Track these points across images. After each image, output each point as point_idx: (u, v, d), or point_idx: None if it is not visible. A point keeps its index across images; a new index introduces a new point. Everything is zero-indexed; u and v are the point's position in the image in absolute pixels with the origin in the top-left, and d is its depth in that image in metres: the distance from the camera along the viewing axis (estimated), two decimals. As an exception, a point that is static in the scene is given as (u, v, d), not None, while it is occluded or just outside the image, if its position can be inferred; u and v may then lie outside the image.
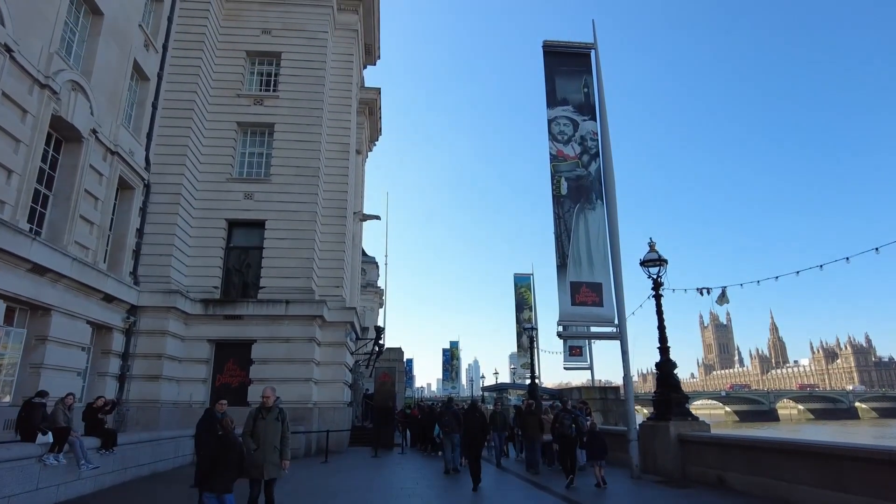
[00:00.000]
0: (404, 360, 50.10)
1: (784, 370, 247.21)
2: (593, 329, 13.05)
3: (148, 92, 19.25)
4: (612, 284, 13.17)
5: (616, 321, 13.01)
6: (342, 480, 12.42)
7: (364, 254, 73.45)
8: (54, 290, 13.27)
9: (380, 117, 35.98)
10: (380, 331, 24.54)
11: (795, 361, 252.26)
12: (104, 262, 16.41)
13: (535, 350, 26.13)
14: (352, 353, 23.97)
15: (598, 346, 32.89)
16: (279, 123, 22.26)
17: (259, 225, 21.10)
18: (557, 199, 13.47)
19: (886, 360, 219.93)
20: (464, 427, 12.38)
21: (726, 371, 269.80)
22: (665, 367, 12.86)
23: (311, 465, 15.59)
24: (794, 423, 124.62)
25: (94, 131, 14.99)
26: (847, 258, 14.12)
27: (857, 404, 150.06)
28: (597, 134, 14.13)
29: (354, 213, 28.87)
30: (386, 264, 64.95)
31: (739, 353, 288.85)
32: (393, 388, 22.68)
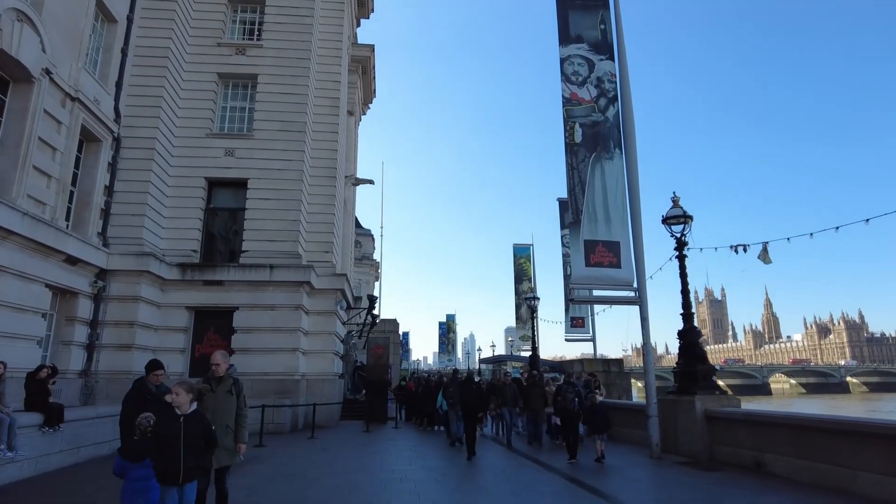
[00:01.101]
0: (400, 332, 48.97)
1: (777, 345, 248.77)
2: (609, 293, 11.66)
3: (116, 36, 17.40)
4: (630, 243, 11.76)
5: (635, 284, 11.64)
6: (327, 460, 11.15)
7: (359, 226, 71.88)
8: (2, 249, 11.74)
9: (374, 77, 34.08)
10: (373, 300, 23.20)
11: (788, 337, 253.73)
12: (66, 220, 14.86)
13: (536, 320, 24.85)
14: (343, 323, 22.63)
15: (599, 317, 31.78)
16: (263, 75, 20.48)
17: (241, 184, 19.49)
18: (571, 147, 11.95)
19: (878, 335, 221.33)
20: (461, 399, 12.65)
21: (720, 346, 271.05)
22: (689, 335, 11.53)
23: (295, 442, 14.34)
24: (785, 397, 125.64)
25: (47, 71, 13.26)
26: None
27: (848, 379, 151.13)
28: (615, 75, 12.54)
29: (346, 176, 27.27)
30: (381, 236, 63.60)
31: (733, 329, 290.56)
32: (387, 360, 21.43)
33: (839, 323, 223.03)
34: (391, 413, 20.93)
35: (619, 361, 28.12)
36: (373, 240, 68.67)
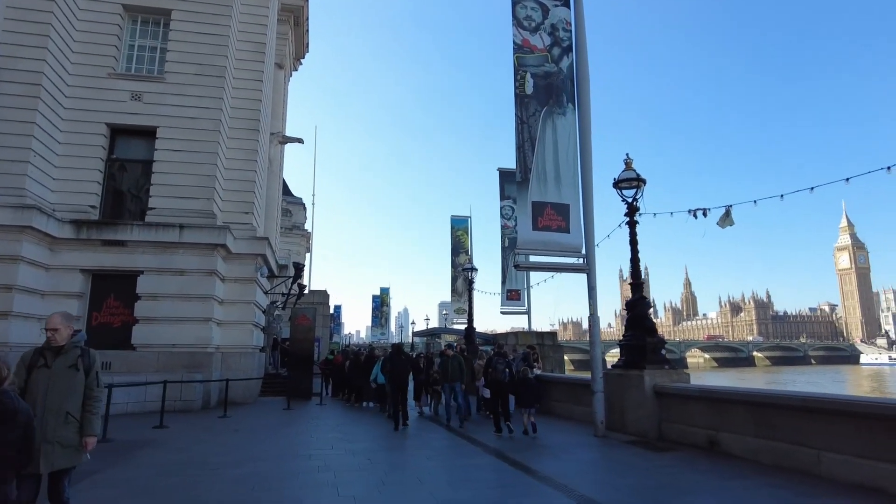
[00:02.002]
0: (331, 304, 47.15)
1: (694, 322, 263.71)
2: (557, 259, 10.73)
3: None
4: (580, 207, 10.86)
5: (583, 251, 10.78)
6: (237, 443, 9.73)
7: (290, 193, 68.85)
8: None
9: (307, 30, 31.60)
10: (299, 268, 21.47)
11: (704, 314, 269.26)
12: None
13: (472, 292, 23.95)
14: (265, 293, 20.87)
15: (535, 289, 31.37)
16: (178, 10, 18.07)
17: (150, 133, 17.20)
18: (521, 99, 10.81)
19: (782, 314, 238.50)
20: (389, 371, 12.43)
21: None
22: (638, 306, 10.83)
23: (204, 422, 12.76)
24: (699, 371, 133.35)
25: None
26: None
27: (755, 353, 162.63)
28: (570, 24, 11.45)
29: (272, 134, 25.10)
30: (313, 204, 61.03)
31: (654, 306, 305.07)
32: (312, 332, 19.89)
33: (749, 302, 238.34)
34: (317, 389, 19.54)
35: (552, 335, 27.85)
36: (304, 209, 65.81)
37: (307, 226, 64.80)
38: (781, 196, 10.48)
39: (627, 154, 11.31)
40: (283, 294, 24.41)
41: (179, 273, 16.04)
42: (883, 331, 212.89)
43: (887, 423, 5.92)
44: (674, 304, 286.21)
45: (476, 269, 23.00)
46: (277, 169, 28.09)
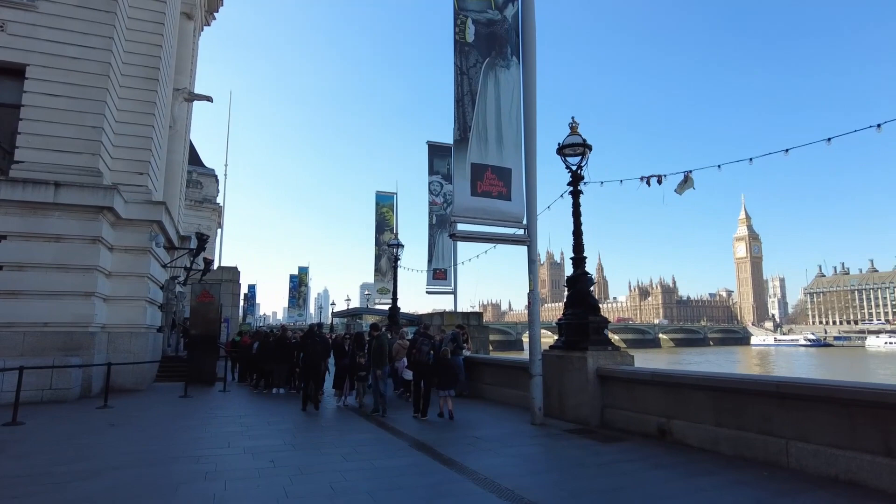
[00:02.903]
0: (244, 282, 44.29)
1: (605, 305, 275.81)
2: (496, 230, 9.63)
3: None
4: (523, 172, 9.80)
5: (524, 221, 9.76)
6: (109, 443, 7.95)
7: (201, 164, 64.26)
8: None
9: (220, -21, 28.66)
10: (203, 239, 19.18)
11: (615, 298, 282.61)
12: None
13: (397, 269, 22.64)
14: (164, 266, 18.51)
15: (462, 268, 30.35)
16: (55, -73, 15.23)
17: (16, 72, 14.42)
18: (461, 47, 9.53)
19: (685, 298, 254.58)
20: (304, 353, 12.33)
21: (557, 304, 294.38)
22: (580, 282, 9.99)
23: (74, 414, 10.75)
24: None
25: None
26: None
27: (660, 336, 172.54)
28: (516, -32, 10.25)
29: (177, 89, 22.40)
30: (226, 175, 57.25)
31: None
32: (216, 310, 17.84)
33: (657, 287, 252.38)
34: (225, 374, 17.59)
35: (478, 315, 27.17)
36: (217, 181, 61.66)
37: (220, 200, 60.85)
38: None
39: (573, 118, 10.38)
40: (185, 268, 22.02)
41: (55, 239, 13.61)
42: (770, 315, 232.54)
43: (871, 410, 5.27)
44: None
45: (402, 245, 21.70)
46: (183, 130, 25.30)
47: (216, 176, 61.22)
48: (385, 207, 37.11)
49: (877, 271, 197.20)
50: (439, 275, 26.89)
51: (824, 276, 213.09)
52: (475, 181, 9.22)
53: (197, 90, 29.35)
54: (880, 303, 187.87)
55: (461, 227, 9.13)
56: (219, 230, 58.33)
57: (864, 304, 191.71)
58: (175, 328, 21.62)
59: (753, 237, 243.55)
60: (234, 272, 33.35)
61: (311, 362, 12.02)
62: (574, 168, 10.21)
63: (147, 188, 16.08)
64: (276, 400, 13.64)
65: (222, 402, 13.16)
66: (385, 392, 10.84)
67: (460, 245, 27.64)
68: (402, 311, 25.64)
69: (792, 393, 5.92)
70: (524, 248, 9.78)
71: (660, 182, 9.59)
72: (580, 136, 10.18)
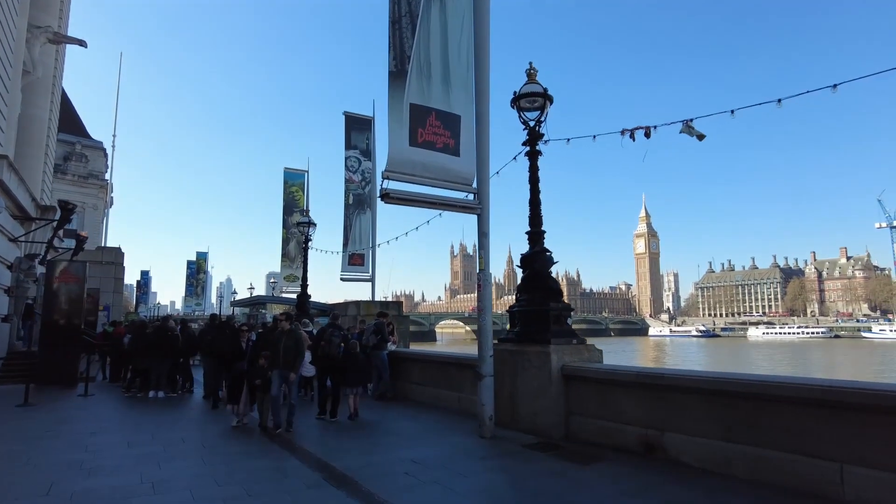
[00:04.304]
0: (135, 267, 39.35)
1: (513, 296, 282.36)
2: (441, 192, 7.62)
3: None
4: (474, 122, 7.86)
5: (475, 185, 7.84)
6: None
7: (86, 135, 57.15)
8: None
9: None
10: (67, 208, 15.64)
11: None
12: None
13: (307, 252, 20.08)
14: (12, 240, 14.92)
15: (380, 253, 27.84)
16: None
17: None
18: (398, -47, 7.40)
19: (589, 291, 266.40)
20: (211, 345, 11.26)
21: (469, 295, 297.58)
22: (538, 260, 8.26)
23: None
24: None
25: None
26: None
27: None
28: None
29: (37, 27, 18.46)
30: (113, 146, 51.16)
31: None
32: (80, 295, 14.48)
33: (563, 280, 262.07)
34: (91, 372, 14.34)
35: (398, 304, 25.13)
36: (105, 155, 55.14)
37: (108, 176, 54.51)
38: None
39: (531, 63, 8.58)
40: (46, 244, 18.23)
41: None
42: (665, 307, 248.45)
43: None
44: (497, 280, 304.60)
45: (314, 224, 19.17)
46: (50, 81, 21.19)
47: (104, 149, 54.81)
48: (294, 186, 33.97)
49: (757, 268, 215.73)
50: (356, 260, 24.50)
51: (714, 272, 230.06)
52: (415, 127, 7.17)
53: (80, 51, 24.83)
54: (760, 297, 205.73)
55: (395, 185, 7.03)
56: (107, 210, 52.34)
57: (747, 298, 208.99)
58: (30, 317, 17.80)
59: (652, 234, 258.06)
60: (116, 253, 29.09)
61: (218, 361, 10.72)
62: (532, 124, 8.42)
63: (-18, 138, 12.61)
64: (150, 407, 10.85)
65: (76, 413, 10.20)
66: (295, 401, 8.50)
67: (379, 226, 25.46)
68: (312, 299, 23.09)
69: (842, 401, 4.40)
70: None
71: (647, 135, 8.01)
72: (539, 84, 8.40)
